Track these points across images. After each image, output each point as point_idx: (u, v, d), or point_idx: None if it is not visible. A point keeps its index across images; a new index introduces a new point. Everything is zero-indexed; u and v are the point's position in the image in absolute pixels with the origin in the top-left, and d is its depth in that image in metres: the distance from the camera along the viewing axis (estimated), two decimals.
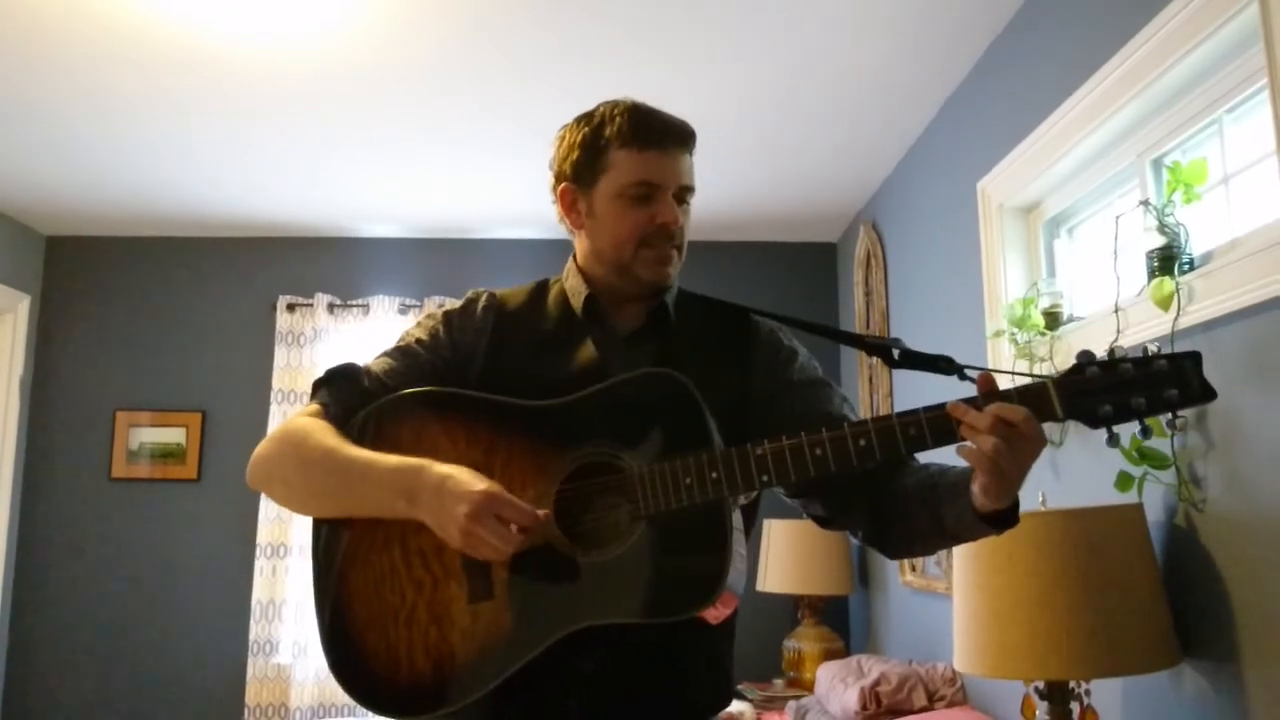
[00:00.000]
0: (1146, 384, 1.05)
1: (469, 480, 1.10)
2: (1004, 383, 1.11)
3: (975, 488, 1.09)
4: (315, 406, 1.26)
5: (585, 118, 1.35)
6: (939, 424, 1.08)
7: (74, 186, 3.81)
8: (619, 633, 1.14)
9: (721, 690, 1.29)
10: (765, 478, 1.11)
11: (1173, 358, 1.05)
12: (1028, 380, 1.11)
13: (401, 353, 1.31)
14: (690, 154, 1.33)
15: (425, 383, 1.27)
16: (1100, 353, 1.08)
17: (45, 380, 4.28)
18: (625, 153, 1.28)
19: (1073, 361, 1.09)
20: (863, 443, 1.10)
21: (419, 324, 1.36)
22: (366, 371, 1.29)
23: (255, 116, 3.17)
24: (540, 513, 1.11)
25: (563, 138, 1.37)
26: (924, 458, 1.21)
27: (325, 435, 1.20)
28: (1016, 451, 1.03)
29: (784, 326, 1.38)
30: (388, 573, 1.18)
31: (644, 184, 1.27)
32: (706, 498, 1.11)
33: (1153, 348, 1.08)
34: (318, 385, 1.28)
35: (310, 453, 1.19)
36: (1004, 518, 1.12)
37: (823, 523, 1.35)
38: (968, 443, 1.06)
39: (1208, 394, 1.04)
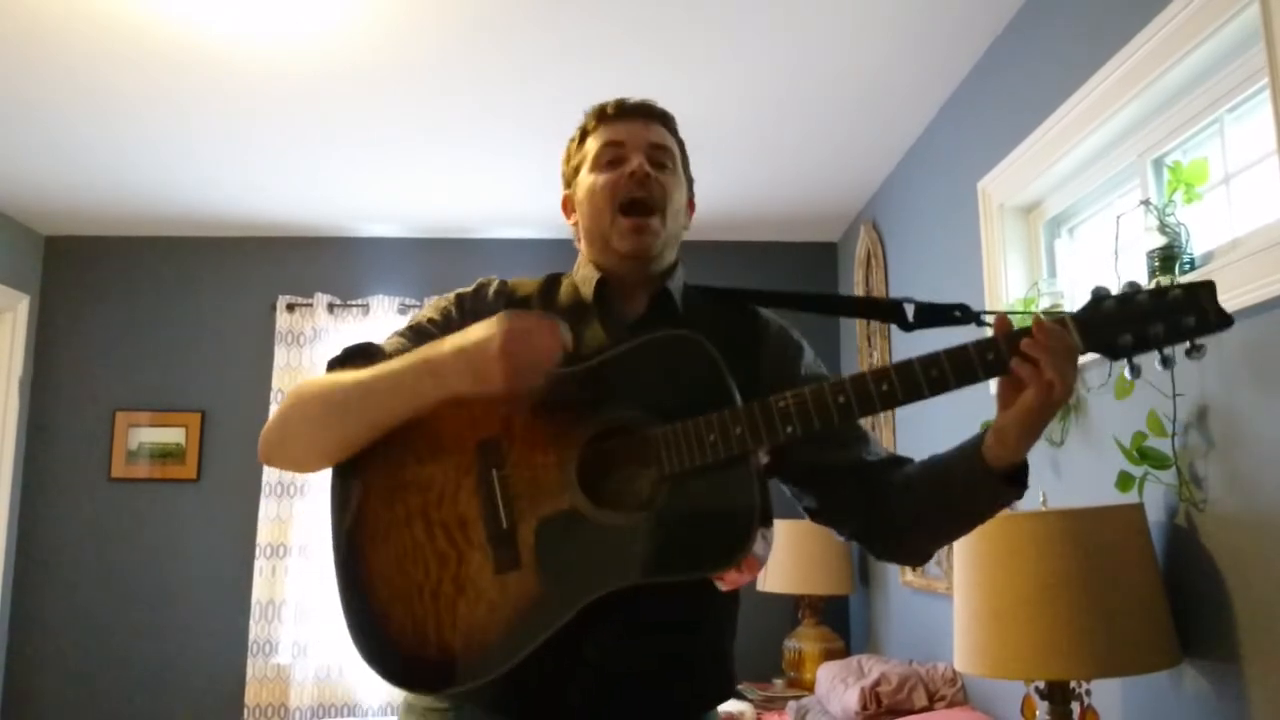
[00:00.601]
0: (1163, 312, 1.05)
1: (481, 325, 1.12)
2: (1021, 325, 1.12)
3: (991, 438, 1.11)
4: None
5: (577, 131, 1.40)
6: (961, 361, 1.09)
7: (74, 186, 3.81)
8: (624, 619, 1.14)
9: (724, 683, 1.29)
10: (790, 429, 1.11)
11: (1188, 287, 1.06)
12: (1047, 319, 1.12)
13: (415, 331, 1.31)
14: (661, 125, 1.35)
15: None
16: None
17: (45, 380, 4.27)
18: (594, 134, 1.34)
19: (1090, 296, 1.10)
20: (885, 386, 1.09)
21: (430, 306, 1.36)
22: (379, 348, 1.28)
23: (255, 116, 3.16)
24: (551, 322, 1.13)
25: (562, 155, 1.42)
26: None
27: (340, 374, 1.21)
28: (1063, 361, 1.04)
29: (790, 325, 1.40)
30: (410, 548, 1.17)
31: (608, 145, 1.31)
32: (731, 453, 1.11)
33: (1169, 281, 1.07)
34: (334, 363, 1.27)
35: (323, 385, 1.21)
36: (1019, 475, 1.13)
37: (813, 514, 1.35)
38: (1029, 368, 1.06)
39: (1224, 320, 1.04)
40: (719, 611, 1.26)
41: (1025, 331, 1.08)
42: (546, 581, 1.13)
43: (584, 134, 1.36)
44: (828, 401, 1.10)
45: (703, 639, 1.25)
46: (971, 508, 1.21)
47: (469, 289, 1.36)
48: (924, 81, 2.92)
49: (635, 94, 1.40)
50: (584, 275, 1.35)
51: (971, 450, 1.15)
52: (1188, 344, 1.05)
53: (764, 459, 1.18)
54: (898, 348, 3.54)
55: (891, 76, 2.89)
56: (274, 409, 4.14)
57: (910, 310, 1.28)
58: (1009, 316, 1.12)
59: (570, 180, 1.38)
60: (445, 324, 1.31)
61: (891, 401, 1.10)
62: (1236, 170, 1.84)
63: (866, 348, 3.85)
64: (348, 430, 1.19)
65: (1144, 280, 1.84)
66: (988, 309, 2.61)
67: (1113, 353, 1.08)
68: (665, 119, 1.37)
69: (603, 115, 1.35)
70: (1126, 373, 1.09)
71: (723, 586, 1.21)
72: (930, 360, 1.09)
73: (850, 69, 2.85)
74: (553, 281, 1.39)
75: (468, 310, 1.32)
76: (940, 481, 1.20)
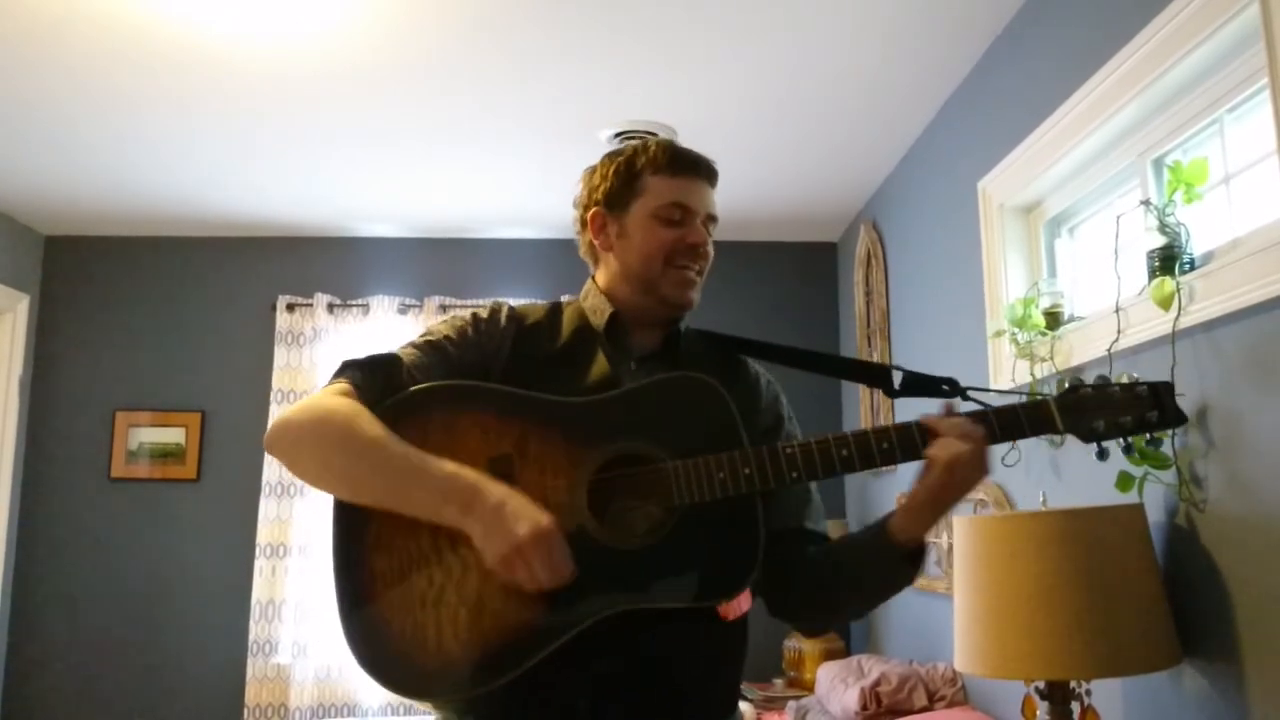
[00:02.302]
0: (1131, 405, 1.20)
1: (532, 508, 1.12)
2: (1006, 401, 1.24)
3: (899, 515, 1.21)
4: (345, 385, 1.24)
5: (616, 153, 1.43)
6: (905, 436, 1.19)
7: (74, 186, 3.81)
8: (635, 636, 1.17)
9: (730, 699, 1.32)
10: (795, 474, 1.19)
11: (1152, 385, 1.23)
12: (1027, 399, 1.24)
13: (431, 347, 1.32)
14: (713, 188, 1.42)
15: (452, 379, 1.28)
16: (1095, 378, 1.24)
17: (45, 380, 4.27)
18: (659, 178, 1.37)
19: (1068, 384, 1.24)
20: (885, 445, 1.19)
21: (446, 322, 1.38)
22: (399, 361, 1.28)
23: (255, 116, 3.17)
24: (571, 566, 1.14)
25: (593, 172, 1.44)
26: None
27: (372, 424, 1.18)
28: (972, 465, 1.16)
29: (769, 375, 1.47)
30: (415, 557, 1.18)
31: (678, 205, 1.36)
32: (740, 491, 1.18)
33: (1132, 378, 1.26)
34: (350, 366, 1.27)
35: (356, 440, 1.17)
36: (917, 556, 1.22)
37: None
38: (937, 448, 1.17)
39: (1179, 419, 1.23)
40: (726, 634, 1.29)
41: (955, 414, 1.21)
42: (550, 598, 1.14)
43: (645, 167, 1.38)
44: (832, 453, 1.20)
45: (711, 661, 1.28)
46: (867, 583, 1.30)
47: (484, 312, 1.38)
48: (924, 81, 2.92)
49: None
50: (594, 305, 1.40)
51: (879, 525, 1.24)
52: (1148, 435, 1.22)
53: None
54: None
55: (891, 76, 2.89)
56: (273, 409, 4.12)
57: (898, 378, 1.38)
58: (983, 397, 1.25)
59: (610, 204, 1.40)
60: (461, 343, 1.33)
61: (890, 459, 1.19)
62: (1236, 170, 1.84)
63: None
64: (359, 496, 1.20)
65: (1144, 280, 1.84)
66: (985, 306, 2.61)
67: (1087, 435, 1.21)
68: (716, 179, 1.43)
69: (677, 163, 1.38)
70: (1094, 456, 1.23)
71: (725, 616, 1.25)
72: (898, 427, 1.20)
73: (850, 69, 2.85)
74: (556, 310, 1.43)
75: (483, 331, 1.35)
76: (846, 554, 1.31)
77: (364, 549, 1.20)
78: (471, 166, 3.62)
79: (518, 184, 3.78)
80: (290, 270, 4.38)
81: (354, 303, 4.31)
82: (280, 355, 4.22)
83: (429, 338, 1.34)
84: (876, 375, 1.41)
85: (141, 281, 4.37)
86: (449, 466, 1.16)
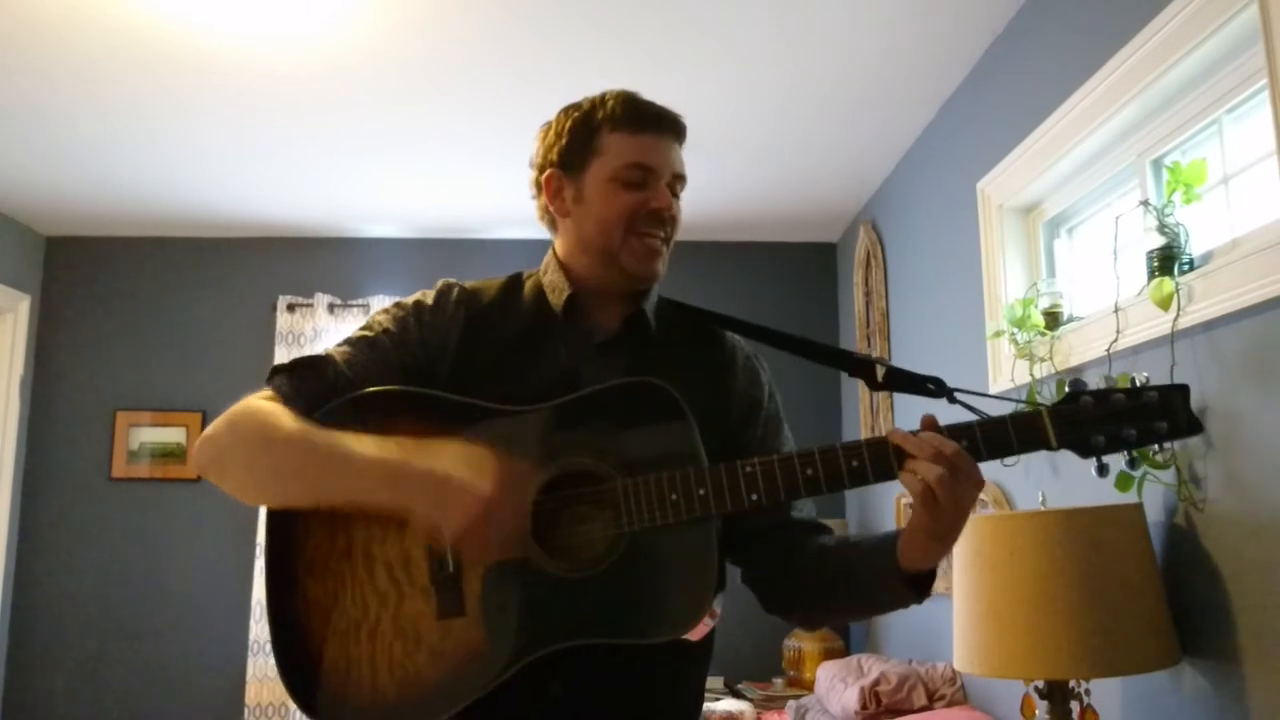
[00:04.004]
0: (1137, 415, 1.05)
1: (465, 462, 1.04)
2: (999, 408, 1.11)
3: (904, 537, 1.08)
4: (268, 393, 1.15)
5: (573, 107, 1.29)
6: (879, 454, 1.05)
7: (74, 186, 3.81)
8: (589, 656, 1.08)
9: (692, 712, 1.25)
10: (755, 496, 1.07)
11: (1163, 390, 1.06)
12: (1021, 407, 1.10)
13: (368, 344, 1.22)
14: (681, 144, 1.28)
15: (390, 378, 1.18)
16: (1094, 379, 1.09)
17: (45, 380, 4.28)
18: (618, 135, 1.23)
19: (1067, 390, 1.09)
20: (855, 463, 1.06)
21: (387, 311, 1.27)
22: (329, 360, 1.19)
23: (255, 116, 3.17)
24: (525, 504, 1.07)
25: (548, 129, 1.31)
26: None
27: (291, 419, 1.10)
28: (955, 484, 1.00)
29: (759, 354, 1.35)
30: (349, 583, 1.10)
31: (638, 166, 1.22)
32: (694, 515, 1.07)
33: (1142, 378, 1.10)
34: (276, 371, 1.18)
35: (277, 432, 1.08)
36: (922, 583, 1.10)
37: (743, 576, 1.30)
38: (907, 474, 1.03)
39: (1194, 427, 1.06)
40: (687, 651, 1.19)
41: (933, 429, 1.06)
42: (491, 633, 1.07)
43: (603, 122, 1.24)
44: (796, 474, 1.07)
45: (672, 672, 1.20)
46: (870, 598, 1.18)
47: (429, 298, 1.27)
48: (924, 81, 2.92)
49: (636, 94, 1.35)
50: (552, 282, 1.28)
51: (889, 544, 1.11)
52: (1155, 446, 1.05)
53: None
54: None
55: (891, 76, 2.89)
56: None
57: (881, 372, 1.25)
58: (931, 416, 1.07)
59: (567, 165, 1.26)
60: (402, 336, 1.22)
61: (860, 479, 1.06)
62: (1236, 171, 1.84)
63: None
64: (290, 498, 1.12)
65: (1143, 280, 1.84)
66: (985, 306, 2.61)
67: (1084, 451, 1.06)
68: (683, 134, 1.29)
69: (638, 118, 1.24)
70: (1094, 471, 1.08)
71: (689, 637, 1.15)
72: (851, 448, 1.07)
73: (850, 69, 2.85)
74: (515, 285, 1.32)
75: (426, 323, 1.24)
76: (852, 562, 1.17)
77: (297, 568, 1.12)
78: (471, 166, 3.62)
79: (518, 184, 3.74)
80: (290, 270, 4.38)
81: (354, 303, 4.31)
82: (280, 355, 4.22)
83: (366, 333, 1.23)
84: (859, 365, 1.28)
85: (142, 282, 4.37)
86: (373, 447, 1.06)
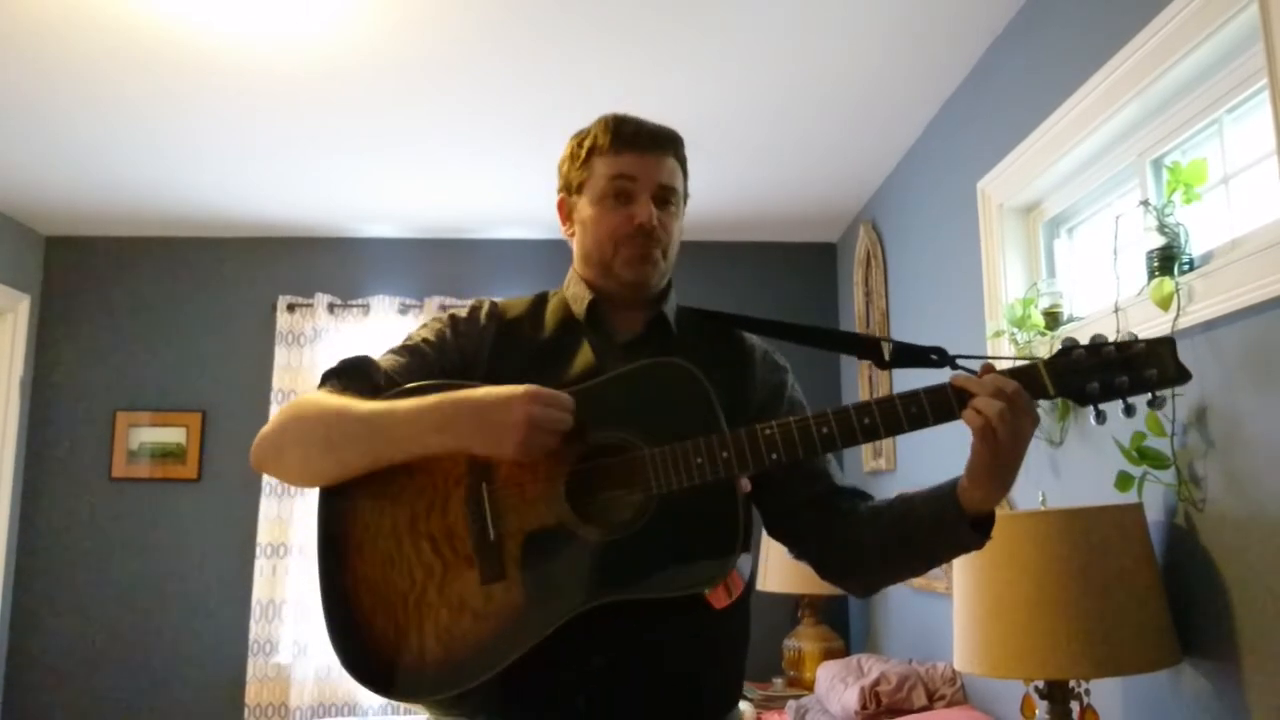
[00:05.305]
0: (1127, 365, 1.13)
1: (507, 389, 1.14)
2: (997, 368, 1.17)
3: (964, 480, 1.15)
4: (325, 391, 1.26)
5: (579, 133, 1.39)
6: (940, 399, 1.14)
7: (74, 186, 3.81)
8: (631, 629, 1.17)
9: (733, 690, 1.31)
10: (775, 455, 1.15)
11: (1150, 342, 1.14)
12: (1021, 364, 1.18)
13: (410, 351, 1.32)
14: (673, 157, 1.36)
15: (432, 380, 1.27)
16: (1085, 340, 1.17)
17: (45, 380, 4.28)
18: (602, 159, 1.33)
19: (1060, 346, 1.16)
20: (867, 420, 1.14)
21: (425, 325, 1.38)
22: (376, 365, 1.29)
23: (255, 117, 3.17)
24: (566, 397, 1.15)
25: (564, 154, 1.42)
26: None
27: (338, 397, 1.21)
28: (1015, 418, 1.09)
29: (776, 349, 1.43)
30: (395, 558, 1.19)
31: (619, 177, 1.31)
32: (718, 476, 1.15)
33: (1131, 331, 1.15)
34: (329, 375, 1.28)
35: (328, 409, 1.20)
36: (985, 525, 1.18)
37: (770, 529, 1.38)
38: (970, 412, 1.11)
39: (1183, 374, 1.13)
40: (719, 623, 1.26)
41: (990, 371, 1.14)
42: (530, 594, 1.15)
43: (592, 149, 1.35)
44: (812, 432, 1.15)
45: (709, 652, 1.26)
46: (931, 548, 1.24)
47: (463, 311, 1.38)
48: (924, 81, 2.92)
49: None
50: (575, 294, 1.38)
51: (947, 490, 1.19)
52: (1150, 395, 1.13)
53: (746, 486, 1.22)
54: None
55: (891, 76, 2.89)
56: (273, 409, 4.16)
57: (888, 350, 1.33)
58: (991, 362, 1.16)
59: (570, 189, 1.38)
60: (440, 345, 1.33)
61: (873, 435, 1.15)
62: (1236, 171, 1.84)
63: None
64: (347, 463, 1.20)
65: (1143, 280, 1.85)
66: (985, 306, 2.61)
67: (1080, 398, 1.14)
68: (676, 147, 1.37)
69: (617, 139, 1.33)
70: (1093, 419, 1.15)
71: (714, 604, 1.22)
72: (910, 397, 1.15)
73: (850, 69, 2.85)
74: (541, 301, 1.41)
75: (461, 333, 1.35)
76: (909, 516, 1.24)
77: (347, 549, 1.21)
78: (471, 166, 3.62)
79: (518, 184, 3.78)
80: (290, 270, 4.38)
81: (354, 303, 4.31)
82: (281, 355, 4.23)
83: (407, 343, 1.35)
84: (867, 347, 1.36)
85: (142, 282, 4.37)
86: (413, 399, 1.17)
